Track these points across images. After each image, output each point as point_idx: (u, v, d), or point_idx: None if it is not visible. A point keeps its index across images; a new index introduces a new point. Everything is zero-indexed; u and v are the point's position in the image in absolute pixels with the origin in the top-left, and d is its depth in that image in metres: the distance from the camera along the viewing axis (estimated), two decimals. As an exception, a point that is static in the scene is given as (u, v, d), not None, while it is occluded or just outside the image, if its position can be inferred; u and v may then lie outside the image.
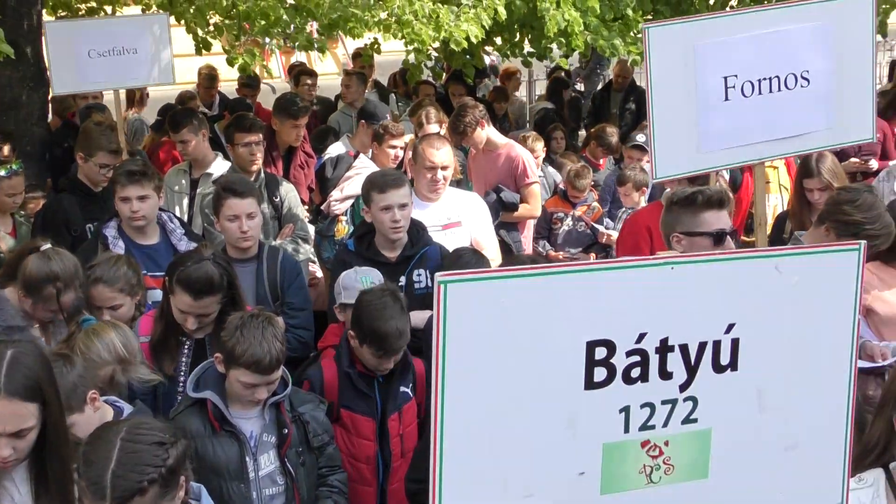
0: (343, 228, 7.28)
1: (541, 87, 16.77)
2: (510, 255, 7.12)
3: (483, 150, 7.91)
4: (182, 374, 4.75)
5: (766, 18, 4.35)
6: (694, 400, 2.28)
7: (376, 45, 10.92)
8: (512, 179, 7.76)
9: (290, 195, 7.10)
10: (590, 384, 2.18)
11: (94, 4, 10.02)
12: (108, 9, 10.56)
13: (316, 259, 7.30)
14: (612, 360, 2.18)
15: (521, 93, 16.82)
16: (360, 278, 5.22)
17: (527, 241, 7.99)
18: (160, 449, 3.28)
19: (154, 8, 9.48)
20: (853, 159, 9.41)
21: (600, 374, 2.18)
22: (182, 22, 9.43)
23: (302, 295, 5.82)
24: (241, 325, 4.24)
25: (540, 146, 9.20)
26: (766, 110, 4.29)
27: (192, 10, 9.13)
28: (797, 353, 2.35)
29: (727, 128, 4.27)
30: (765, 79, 4.28)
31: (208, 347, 4.78)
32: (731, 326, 2.26)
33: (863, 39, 4.35)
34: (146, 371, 4.46)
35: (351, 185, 7.36)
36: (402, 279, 5.55)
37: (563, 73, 15.05)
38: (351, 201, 7.30)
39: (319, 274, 7.34)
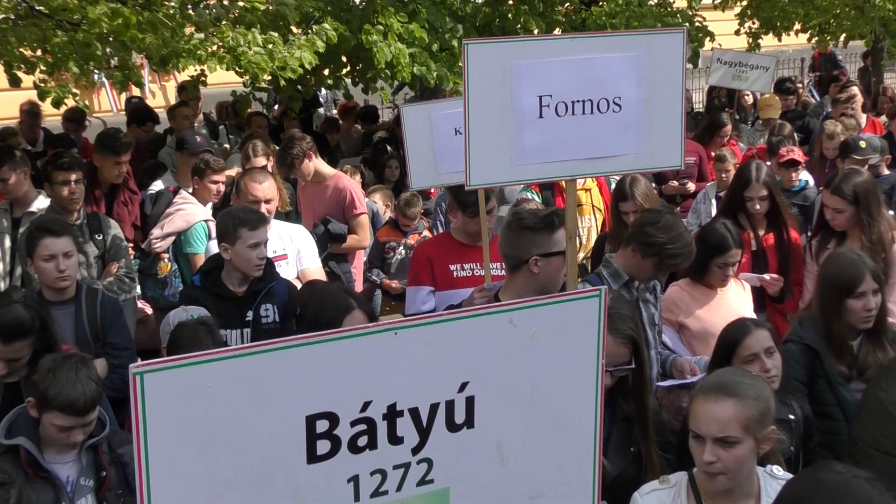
0: (166, 266, 7.20)
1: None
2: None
3: (311, 182, 7.93)
4: (-7, 420, 4.60)
5: (582, 45, 4.48)
6: (429, 461, 2.27)
7: (203, 78, 10.80)
8: (340, 210, 7.80)
9: (114, 233, 6.96)
10: (312, 458, 2.14)
11: None
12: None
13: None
14: (335, 432, 2.15)
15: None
16: (190, 317, 5.16)
17: (357, 272, 8.03)
18: (2, 490, 3.23)
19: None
20: (672, 182, 9.83)
21: (323, 446, 2.15)
22: (-3, 57, 9.16)
23: (124, 334, 5.75)
24: (53, 368, 4.16)
25: (357, 178, 9.26)
26: (579, 130, 4.42)
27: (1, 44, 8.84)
28: (537, 404, 2.35)
29: (541, 144, 4.38)
30: (578, 101, 4.40)
31: (23, 391, 4.64)
32: (464, 385, 2.26)
33: (674, 72, 4.53)
34: None
35: (171, 222, 7.28)
36: (250, 314, 5.55)
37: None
38: (172, 238, 7.22)
39: (149, 310, 7.24)
